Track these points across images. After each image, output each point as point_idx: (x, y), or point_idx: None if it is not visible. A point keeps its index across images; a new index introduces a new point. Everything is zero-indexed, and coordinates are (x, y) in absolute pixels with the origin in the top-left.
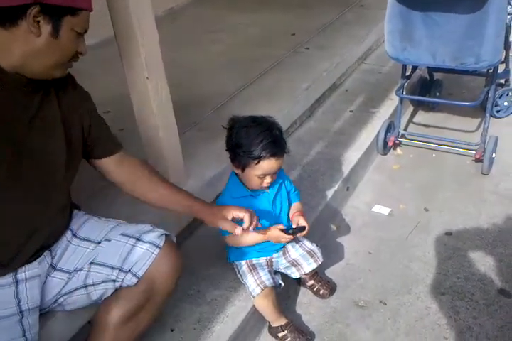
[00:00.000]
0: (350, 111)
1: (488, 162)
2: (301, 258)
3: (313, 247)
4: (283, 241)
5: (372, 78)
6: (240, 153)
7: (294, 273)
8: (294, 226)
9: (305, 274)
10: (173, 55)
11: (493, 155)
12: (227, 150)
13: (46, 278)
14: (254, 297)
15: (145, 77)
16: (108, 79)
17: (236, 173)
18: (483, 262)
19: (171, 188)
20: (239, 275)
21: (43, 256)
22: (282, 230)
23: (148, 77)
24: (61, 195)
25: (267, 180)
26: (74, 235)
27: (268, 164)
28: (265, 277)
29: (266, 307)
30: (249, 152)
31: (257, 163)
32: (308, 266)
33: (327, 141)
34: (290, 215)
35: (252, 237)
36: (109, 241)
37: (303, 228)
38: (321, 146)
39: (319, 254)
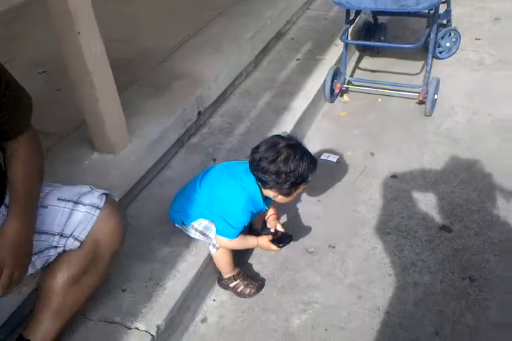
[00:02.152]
0: (297, 59)
1: (431, 104)
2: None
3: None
4: (271, 250)
5: (317, 24)
6: (292, 182)
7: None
8: (271, 229)
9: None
10: (108, 8)
11: (436, 96)
12: (264, 175)
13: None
14: (218, 248)
15: (76, 32)
16: (42, 38)
17: (260, 188)
18: (426, 201)
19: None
20: (197, 234)
21: None
22: (272, 241)
23: (79, 32)
24: None
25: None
26: (6, 206)
27: (306, 185)
28: None
29: (226, 257)
30: (304, 179)
31: (306, 183)
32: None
33: (274, 91)
34: (266, 216)
35: (249, 242)
36: (46, 207)
37: (290, 238)
38: (268, 97)
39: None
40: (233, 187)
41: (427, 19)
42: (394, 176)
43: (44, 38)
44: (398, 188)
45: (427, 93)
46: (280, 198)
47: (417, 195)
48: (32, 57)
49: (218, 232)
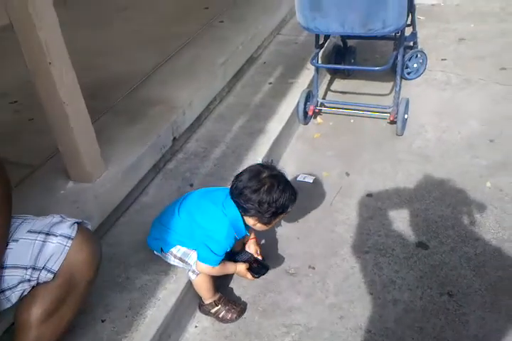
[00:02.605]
0: (269, 83)
1: (402, 123)
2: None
3: (257, 250)
4: (247, 277)
5: (288, 49)
6: (273, 212)
7: None
8: (251, 252)
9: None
10: (80, 37)
11: (406, 116)
12: (246, 204)
13: None
14: (197, 274)
15: (47, 62)
16: (13, 67)
17: (242, 216)
18: (402, 218)
19: None
20: (176, 261)
21: None
22: (248, 269)
23: (50, 63)
24: None
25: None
26: None
27: (285, 215)
28: None
29: (207, 282)
30: (283, 209)
31: (286, 214)
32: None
33: (248, 114)
34: (245, 240)
35: (229, 268)
36: (17, 241)
37: (267, 269)
38: (243, 121)
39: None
40: (215, 214)
41: (394, 42)
42: (369, 195)
43: (12, 67)
44: (374, 207)
45: (397, 113)
46: (259, 226)
47: (392, 213)
48: (2, 87)
49: (200, 259)
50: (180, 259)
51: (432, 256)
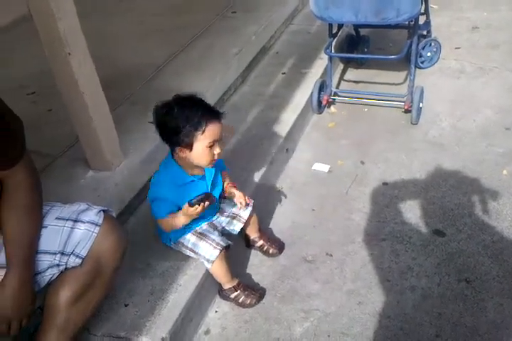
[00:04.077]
0: (283, 73)
1: (416, 112)
2: (235, 209)
3: (239, 193)
4: (195, 213)
5: (301, 39)
6: (182, 133)
7: (237, 225)
8: (229, 196)
9: (246, 221)
10: (92, 27)
11: (421, 104)
12: (167, 141)
13: None
14: (212, 262)
15: (66, 53)
16: (30, 58)
17: (174, 159)
18: (418, 206)
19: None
20: (187, 251)
21: None
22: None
23: (70, 53)
24: None
25: (217, 150)
26: None
27: (213, 128)
28: (218, 238)
29: (222, 268)
30: (192, 126)
31: (203, 132)
32: (245, 211)
33: (262, 104)
34: (224, 187)
35: (178, 221)
36: (46, 227)
37: (204, 194)
38: (257, 111)
39: (247, 197)
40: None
41: (408, 30)
42: (385, 183)
43: (30, 58)
44: (390, 195)
45: (412, 102)
46: (194, 156)
47: (408, 201)
48: (19, 79)
49: (153, 216)
50: (192, 250)
51: (449, 244)
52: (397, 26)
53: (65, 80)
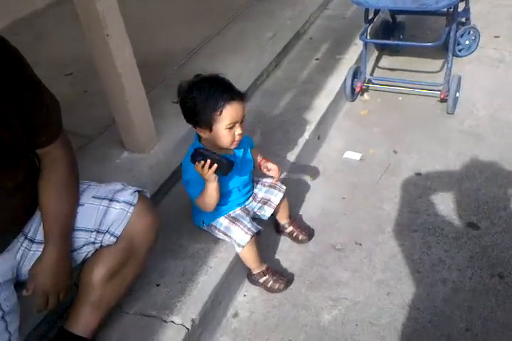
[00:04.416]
0: (316, 59)
1: (453, 101)
2: (267, 194)
3: (275, 166)
4: (206, 174)
5: (335, 24)
6: (201, 114)
7: (267, 210)
8: (265, 171)
9: (276, 206)
10: (128, 11)
11: (457, 94)
12: (188, 121)
13: (27, 252)
14: (242, 247)
15: (105, 34)
16: (67, 40)
17: (201, 141)
18: (452, 198)
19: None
20: (220, 234)
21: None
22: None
23: (108, 34)
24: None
25: (238, 131)
26: (31, 240)
27: (231, 109)
28: (250, 224)
29: (252, 253)
30: (208, 106)
31: (220, 114)
32: (276, 197)
33: (295, 90)
34: (257, 164)
35: (205, 192)
36: (83, 205)
37: (212, 154)
38: (290, 96)
39: (279, 183)
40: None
41: (446, 17)
42: (418, 174)
43: (68, 39)
44: (423, 186)
45: (448, 91)
46: (212, 136)
47: (442, 193)
48: (58, 59)
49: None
50: (224, 233)
51: (482, 237)
52: (435, 13)
53: (104, 62)
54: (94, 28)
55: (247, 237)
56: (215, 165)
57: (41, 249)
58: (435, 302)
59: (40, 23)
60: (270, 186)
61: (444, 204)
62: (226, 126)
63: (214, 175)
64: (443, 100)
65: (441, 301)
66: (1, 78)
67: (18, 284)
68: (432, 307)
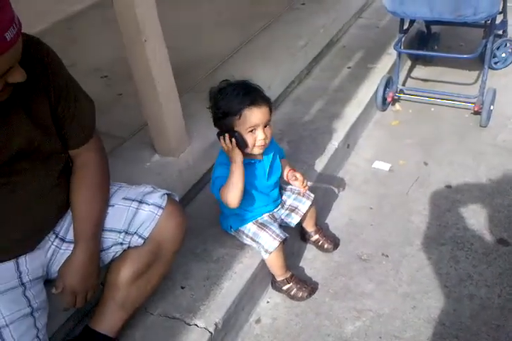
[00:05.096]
0: (348, 67)
1: (487, 114)
2: (295, 202)
3: (300, 176)
4: (232, 153)
5: (369, 33)
6: (224, 118)
7: (295, 218)
8: (292, 183)
9: (303, 214)
10: (164, 17)
11: (492, 107)
12: (215, 125)
13: (58, 250)
14: (270, 253)
15: (142, 40)
16: (104, 44)
17: None
18: (482, 213)
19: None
20: (247, 240)
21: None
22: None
23: (145, 40)
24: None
25: (259, 136)
26: (62, 239)
27: (250, 114)
28: (278, 230)
29: (279, 260)
30: (229, 111)
31: (239, 117)
32: (304, 204)
33: (326, 98)
34: (285, 174)
35: (233, 182)
36: (113, 206)
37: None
38: (320, 104)
39: (308, 191)
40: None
41: (484, 29)
42: (448, 186)
43: (105, 42)
44: (453, 199)
45: (482, 103)
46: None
47: (472, 207)
48: (93, 62)
49: (218, 197)
50: (252, 239)
51: None
52: (472, 24)
53: (140, 66)
54: (132, 32)
55: (276, 243)
56: (233, 140)
57: (71, 248)
58: (461, 318)
59: (77, 26)
60: (299, 193)
61: (475, 218)
62: (246, 129)
63: (238, 151)
64: (476, 113)
65: (468, 317)
66: (36, 79)
67: (48, 282)
68: (458, 323)
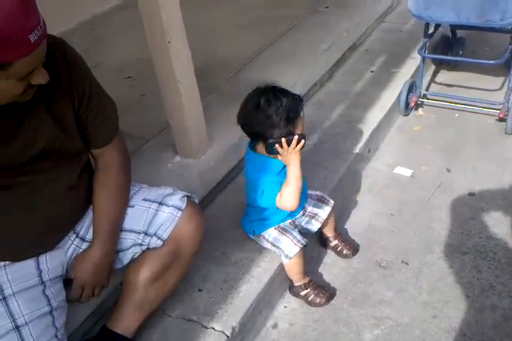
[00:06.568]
0: (371, 71)
1: None
2: (315, 208)
3: (319, 193)
4: (289, 150)
5: (393, 37)
6: (290, 123)
7: (315, 225)
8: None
9: (324, 221)
10: (187, 20)
11: None
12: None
13: (78, 249)
14: (290, 258)
15: (167, 41)
16: (127, 44)
17: (256, 151)
18: (506, 222)
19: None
20: (268, 245)
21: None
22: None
23: (169, 41)
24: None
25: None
26: (82, 239)
27: (302, 121)
28: (299, 236)
29: (298, 266)
30: (294, 114)
31: (302, 117)
32: (324, 211)
33: (348, 102)
34: None
35: (297, 184)
36: (133, 207)
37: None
38: (342, 108)
39: (327, 197)
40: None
41: (510, 35)
42: (472, 194)
43: (128, 43)
44: (476, 207)
45: (508, 110)
46: (261, 146)
47: (496, 215)
48: (117, 63)
49: (279, 204)
50: (272, 244)
51: None
52: (498, 30)
53: (163, 67)
54: (156, 34)
55: (296, 249)
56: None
57: None
58: (483, 329)
59: (102, 27)
60: (318, 200)
61: (498, 227)
62: (301, 130)
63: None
64: (501, 119)
65: (490, 328)
66: (59, 80)
67: (67, 281)
68: (479, 334)
